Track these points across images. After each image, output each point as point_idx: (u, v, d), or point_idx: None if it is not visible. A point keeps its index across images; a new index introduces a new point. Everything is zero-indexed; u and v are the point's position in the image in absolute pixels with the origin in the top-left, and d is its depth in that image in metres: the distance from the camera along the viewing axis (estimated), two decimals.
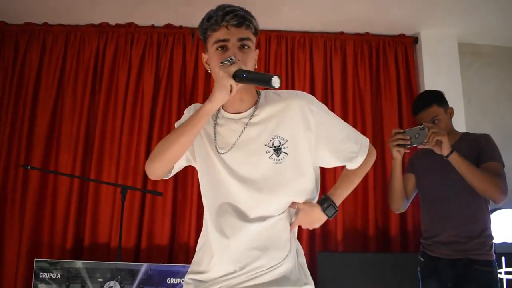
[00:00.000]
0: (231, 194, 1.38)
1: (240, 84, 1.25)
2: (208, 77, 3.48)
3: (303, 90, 3.38)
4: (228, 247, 1.37)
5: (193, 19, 3.43)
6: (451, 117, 2.30)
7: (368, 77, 3.53)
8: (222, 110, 1.42)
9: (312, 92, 3.48)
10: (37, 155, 3.35)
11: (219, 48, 1.32)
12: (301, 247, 1.53)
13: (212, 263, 1.40)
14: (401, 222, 3.31)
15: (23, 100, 3.45)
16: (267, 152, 1.36)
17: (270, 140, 1.36)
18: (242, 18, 1.31)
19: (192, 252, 3.03)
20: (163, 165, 1.42)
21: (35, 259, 2.92)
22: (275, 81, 1.17)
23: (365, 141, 1.49)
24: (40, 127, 3.40)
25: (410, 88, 3.54)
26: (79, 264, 2.88)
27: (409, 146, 2.15)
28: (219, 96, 1.26)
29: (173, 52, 3.53)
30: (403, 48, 3.61)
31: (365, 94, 3.50)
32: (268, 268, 1.36)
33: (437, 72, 3.50)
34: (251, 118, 1.38)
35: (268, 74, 1.20)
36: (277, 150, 1.36)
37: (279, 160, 1.36)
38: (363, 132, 3.34)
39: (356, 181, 1.54)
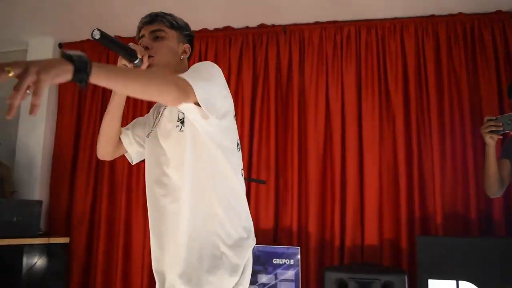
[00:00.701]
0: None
1: (144, 67, 1.43)
2: (302, 69, 3.66)
3: (396, 78, 3.46)
4: None
5: (284, 17, 3.64)
6: None
7: (463, 60, 3.42)
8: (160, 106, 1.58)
9: (405, 79, 3.50)
10: None
11: (140, 45, 1.51)
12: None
13: None
14: (506, 205, 3.22)
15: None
16: (177, 126, 1.44)
17: (177, 114, 1.45)
18: (154, 16, 1.55)
19: (295, 235, 3.28)
20: (102, 145, 1.61)
21: None
22: (94, 33, 1.28)
23: (195, 80, 1.25)
24: None
25: (511, 68, 3.38)
26: None
27: (501, 133, 2.17)
28: None
29: (268, 50, 3.75)
30: (500, 26, 3.44)
31: (461, 79, 3.40)
32: None
33: None
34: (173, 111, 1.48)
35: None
36: (182, 121, 1.43)
37: (182, 130, 1.42)
38: (461, 120, 3.32)
39: (134, 81, 1.15)
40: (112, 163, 3.94)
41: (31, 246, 3.43)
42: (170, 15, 1.59)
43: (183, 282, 1.34)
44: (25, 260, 3.40)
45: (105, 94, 4.07)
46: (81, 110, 4.16)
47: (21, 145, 4.13)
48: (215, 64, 1.44)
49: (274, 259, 3.13)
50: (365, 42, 3.60)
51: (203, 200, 1.39)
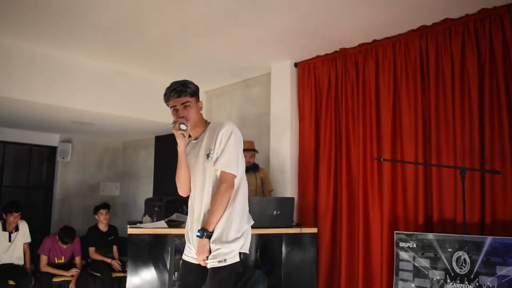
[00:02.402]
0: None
1: (189, 128, 2.41)
2: None
3: None
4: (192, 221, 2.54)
5: None
6: None
7: None
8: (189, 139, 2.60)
9: None
10: (386, 148, 4.17)
11: (174, 110, 2.47)
12: None
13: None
14: None
15: (369, 107, 4.41)
16: (204, 157, 2.47)
17: (206, 150, 2.46)
18: (180, 91, 2.42)
19: None
20: (182, 188, 2.56)
21: (395, 231, 3.72)
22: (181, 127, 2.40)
23: (229, 168, 2.40)
24: (385, 126, 4.23)
25: None
26: (430, 236, 3.48)
27: None
28: (179, 142, 2.41)
29: (492, 34, 3.67)
30: None
31: None
32: None
33: None
34: (200, 140, 2.53)
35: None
36: (208, 155, 2.45)
37: (208, 160, 2.45)
38: None
39: (217, 209, 2.36)
40: (348, 161, 4.47)
41: (288, 235, 4.23)
42: (189, 86, 2.46)
43: None
44: (284, 247, 4.21)
45: (337, 102, 4.64)
46: (318, 117, 4.84)
47: (274, 152, 5.06)
48: (232, 127, 2.45)
49: None
50: None
51: None
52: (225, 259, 2.33)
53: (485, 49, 3.69)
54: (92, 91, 5.27)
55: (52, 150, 7.79)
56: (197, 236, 2.37)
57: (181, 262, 2.58)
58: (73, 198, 7.80)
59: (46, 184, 7.81)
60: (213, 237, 2.36)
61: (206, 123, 2.59)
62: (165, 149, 7.45)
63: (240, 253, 2.40)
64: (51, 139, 7.68)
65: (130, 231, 3.92)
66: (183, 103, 2.44)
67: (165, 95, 2.49)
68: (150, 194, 7.37)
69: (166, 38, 4.52)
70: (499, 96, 3.59)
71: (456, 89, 3.80)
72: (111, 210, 6.16)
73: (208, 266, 2.36)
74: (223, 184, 2.38)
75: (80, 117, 5.94)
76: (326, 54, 4.79)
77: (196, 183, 2.52)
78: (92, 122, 6.32)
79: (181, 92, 2.43)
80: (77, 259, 5.69)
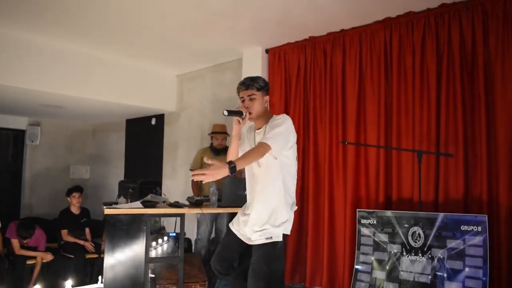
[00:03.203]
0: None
1: (247, 117, 2.78)
2: (487, 43, 3.82)
3: None
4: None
5: None
6: None
7: None
8: (255, 128, 2.94)
9: None
10: (350, 133, 4.53)
11: (242, 100, 2.85)
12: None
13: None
14: None
15: (335, 93, 4.77)
16: None
17: None
18: (248, 85, 2.82)
19: (485, 204, 3.55)
20: None
21: (357, 209, 4.08)
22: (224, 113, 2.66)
23: (272, 140, 2.61)
24: (350, 111, 4.57)
25: None
26: (389, 213, 3.85)
27: None
28: (234, 127, 2.82)
29: (451, 28, 4.03)
30: None
31: None
32: None
33: None
34: (261, 132, 2.84)
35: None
36: None
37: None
38: None
39: (250, 158, 2.57)
40: (315, 144, 4.80)
41: None
42: (257, 81, 2.84)
43: None
44: None
45: (306, 88, 4.94)
46: (288, 102, 5.18)
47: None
48: (286, 117, 2.77)
49: (462, 226, 3.48)
50: None
51: None
52: (271, 237, 2.75)
53: (444, 42, 4.05)
54: (61, 74, 5.40)
55: (20, 134, 7.85)
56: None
57: (227, 228, 3.08)
58: (42, 181, 7.89)
59: (14, 168, 7.87)
60: (265, 220, 2.76)
61: (269, 117, 2.91)
62: (136, 132, 7.62)
63: (283, 234, 2.80)
64: (18, 122, 7.74)
65: (107, 211, 4.12)
66: (249, 95, 2.84)
67: (237, 87, 2.90)
68: (121, 177, 7.54)
69: (136, 22, 4.69)
70: (454, 86, 3.96)
71: (416, 78, 4.16)
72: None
73: (256, 243, 2.77)
74: (261, 147, 2.60)
75: (49, 100, 6.05)
76: (296, 42, 5.08)
77: (252, 169, 2.88)
78: (61, 105, 6.43)
79: (249, 86, 2.84)
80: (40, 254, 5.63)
